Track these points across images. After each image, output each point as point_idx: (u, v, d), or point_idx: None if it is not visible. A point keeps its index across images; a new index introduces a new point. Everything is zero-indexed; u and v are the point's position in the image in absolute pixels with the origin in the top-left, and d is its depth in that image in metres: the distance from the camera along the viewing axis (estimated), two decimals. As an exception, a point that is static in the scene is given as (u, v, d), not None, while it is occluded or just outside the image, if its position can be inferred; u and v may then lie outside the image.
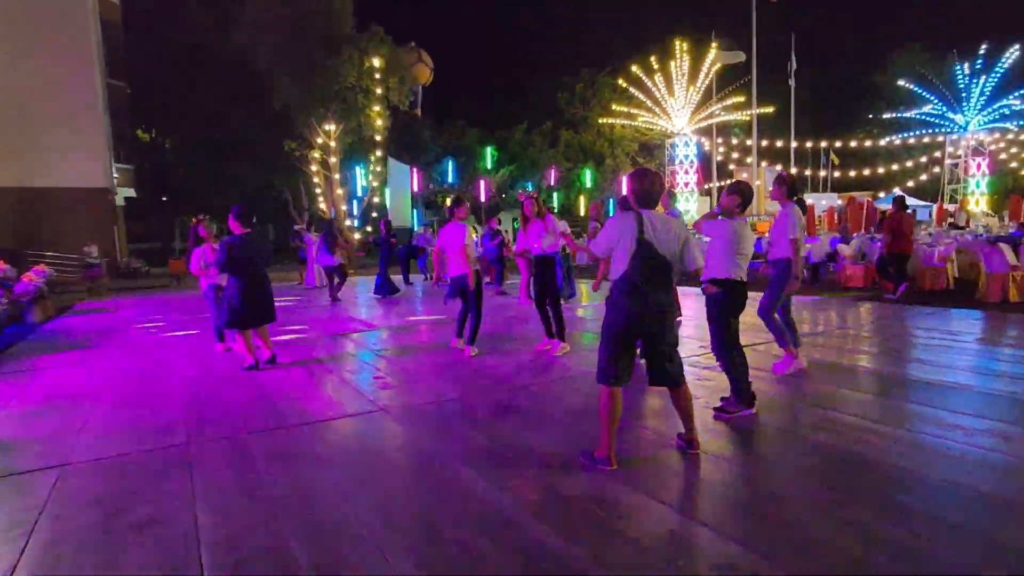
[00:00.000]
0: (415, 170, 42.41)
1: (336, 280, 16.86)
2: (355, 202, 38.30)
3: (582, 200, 52.36)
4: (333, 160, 35.19)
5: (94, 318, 15.26)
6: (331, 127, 34.57)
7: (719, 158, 48.32)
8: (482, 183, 44.55)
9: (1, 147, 27.74)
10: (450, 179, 47.71)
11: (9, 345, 11.94)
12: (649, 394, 6.99)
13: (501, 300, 15.76)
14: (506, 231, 21.47)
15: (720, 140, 48.69)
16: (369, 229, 37.26)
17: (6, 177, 27.87)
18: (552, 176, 49.33)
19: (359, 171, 37.63)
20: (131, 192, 36.66)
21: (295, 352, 9.89)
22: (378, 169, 37.28)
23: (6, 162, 27.79)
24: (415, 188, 41.96)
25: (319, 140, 34.55)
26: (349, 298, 17.54)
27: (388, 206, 37.39)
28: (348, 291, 19.52)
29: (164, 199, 45.15)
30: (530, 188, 49.05)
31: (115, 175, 32.98)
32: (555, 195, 50.91)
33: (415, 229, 35.80)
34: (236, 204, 8.83)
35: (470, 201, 39.00)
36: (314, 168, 35.09)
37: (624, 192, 5.82)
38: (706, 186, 46.85)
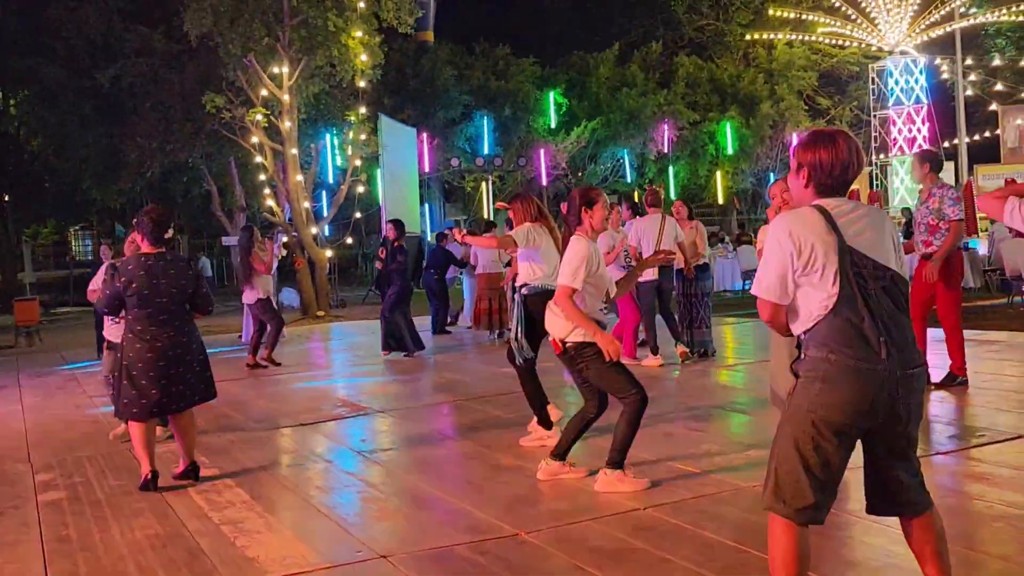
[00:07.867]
0: (426, 137, 27.67)
1: (268, 328, 11.38)
2: (324, 194, 26.20)
3: (719, 181, 33.99)
4: (287, 124, 19.70)
5: None
6: (283, 68, 19.22)
7: (968, 92, 30.77)
8: (541, 155, 29.57)
9: None
10: (485, 148, 30.10)
11: None
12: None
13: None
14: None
15: (969, 61, 31.01)
16: (349, 241, 24.73)
17: None
18: (664, 136, 31.58)
19: (330, 141, 23.58)
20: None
21: (226, 459, 6.51)
22: (363, 137, 20.99)
23: None
24: (425, 167, 27.61)
25: (263, 91, 19.58)
26: (317, 359, 13.20)
27: (382, 199, 21.76)
28: (319, 347, 14.85)
29: (5, 199, 33.79)
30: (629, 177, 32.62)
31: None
32: (669, 169, 32.62)
33: (426, 238, 24.66)
34: (146, 207, 5.87)
35: (520, 187, 28.84)
36: (255, 139, 19.97)
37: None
38: (945, 144, 29.78)
